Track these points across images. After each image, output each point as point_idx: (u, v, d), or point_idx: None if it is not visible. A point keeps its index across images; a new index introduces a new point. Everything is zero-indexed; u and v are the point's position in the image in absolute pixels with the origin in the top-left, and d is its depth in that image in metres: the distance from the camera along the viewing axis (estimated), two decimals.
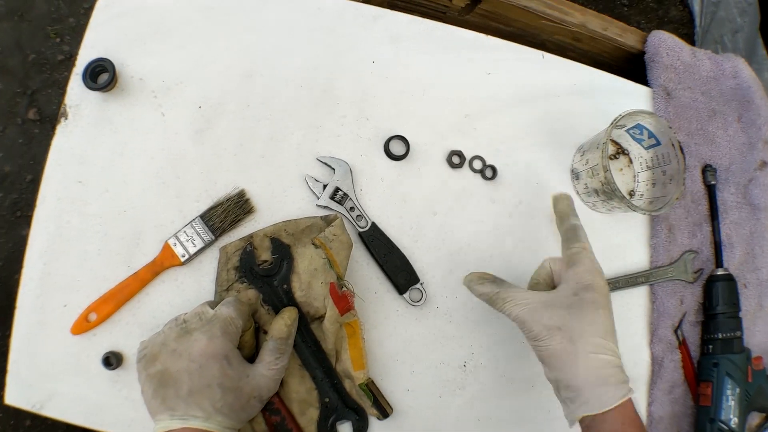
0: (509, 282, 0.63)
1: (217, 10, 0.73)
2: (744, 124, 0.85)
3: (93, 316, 0.67)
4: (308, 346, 0.67)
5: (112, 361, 0.66)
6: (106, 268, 0.67)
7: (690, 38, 1.83)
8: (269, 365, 0.62)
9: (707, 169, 0.82)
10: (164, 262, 0.67)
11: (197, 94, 0.71)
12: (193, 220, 0.68)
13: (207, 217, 0.68)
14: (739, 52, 1.63)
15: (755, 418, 0.86)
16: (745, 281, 0.83)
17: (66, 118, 0.70)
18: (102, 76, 0.69)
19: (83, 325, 0.66)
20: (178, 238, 0.67)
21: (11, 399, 0.66)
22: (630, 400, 0.55)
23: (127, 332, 0.67)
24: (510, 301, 0.60)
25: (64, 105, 0.69)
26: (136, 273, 0.67)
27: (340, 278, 0.66)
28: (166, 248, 0.67)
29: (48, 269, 0.67)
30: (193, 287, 0.68)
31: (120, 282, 0.67)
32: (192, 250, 0.67)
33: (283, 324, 0.63)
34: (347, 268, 0.68)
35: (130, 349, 0.66)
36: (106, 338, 0.67)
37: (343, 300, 0.65)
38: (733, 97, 0.86)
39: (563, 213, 0.67)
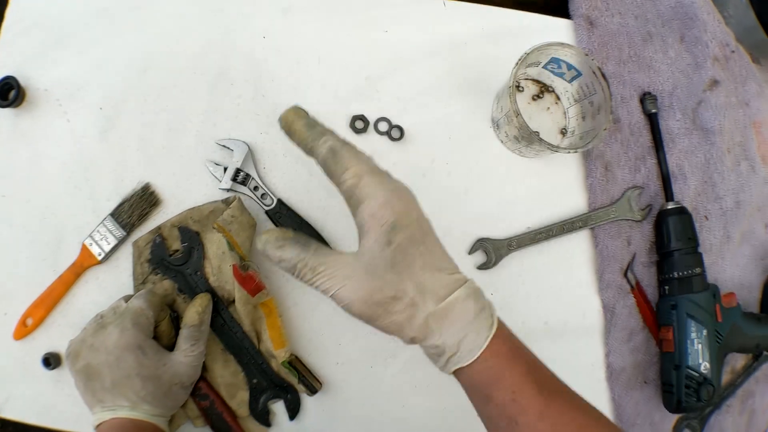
0: (317, 242, 0.48)
1: (111, 10, 0.74)
2: (688, 43, 0.79)
3: (30, 321, 0.69)
4: (229, 330, 0.67)
5: (51, 361, 0.69)
6: (36, 274, 0.70)
7: None
8: (186, 352, 0.63)
9: (646, 97, 0.76)
10: (83, 263, 0.69)
11: (98, 96, 0.72)
12: (105, 218, 0.69)
13: (116, 215, 0.69)
14: None
15: (740, 360, 0.79)
16: (705, 212, 0.77)
17: None
18: (12, 93, 0.71)
19: (22, 330, 0.69)
20: (93, 238, 0.69)
21: None
22: (499, 326, 0.48)
23: (60, 333, 0.70)
24: (322, 272, 0.46)
25: None
26: (60, 276, 0.69)
27: (243, 259, 0.66)
28: (84, 249, 0.69)
29: None
30: (113, 284, 0.70)
31: (48, 286, 0.69)
32: (107, 248, 0.69)
33: (194, 311, 0.63)
34: (251, 248, 0.67)
35: (65, 349, 0.69)
36: (44, 341, 0.70)
37: (249, 280, 0.65)
38: (674, 17, 0.79)
39: (303, 138, 0.49)
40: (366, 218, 0.46)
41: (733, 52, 0.81)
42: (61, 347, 0.69)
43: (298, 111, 0.50)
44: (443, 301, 0.47)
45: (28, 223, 0.71)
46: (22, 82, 0.71)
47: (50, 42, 0.73)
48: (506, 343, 0.48)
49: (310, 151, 0.49)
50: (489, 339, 0.47)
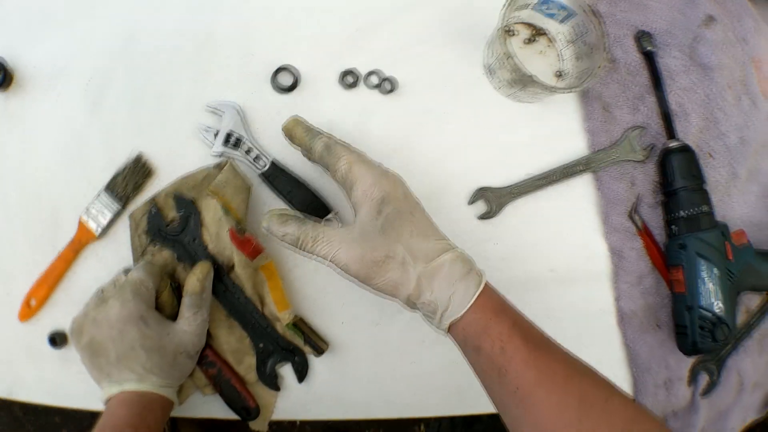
0: (314, 219, 0.57)
1: None
2: None
3: (33, 302, 0.69)
4: (231, 295, 0.67)
5: (57, 340, 0.68)
6: (36, 254, 0.69)
7: None
8: (189, 321, 0.62)
9: (642, 36, 0.74)
10: (82, 239, 0.69)
11: (87, 68, 0.71)
12: (100, 192, 0.68)
13: (110, 187, 0.68)
14: None
15: (754, 300, 0.78)
16: (709, 150, 0.76)
17: None
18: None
19: (27, 311, 0.69)
20: (89, 213, 0.68)
21: None
22: (487, 286, 0.54)
23: (64, 311, 0.69)
24: (321, 239, 0.53)
25: None
26: (60, 254, 0.69)
27: (239, 222, 0.65)
28: (81, 225, 0.69)
29: None
30: (113, 258, 0.69)
31: (48, 266, 0.69)
32: (103, 222, 0.68)
33: (195, 279, 0.63)
34: (247, 211, 0.66)
35: (68, 327, 0.68)
36: (49, 320, 0.69)
37: (247, 243, 0.64)
38: None
39: (302, 140, 0.59)
40: (359, 196, 0.54)
41: None
42: (66, 326, 0.69)
43: (297, 119, 0.60)
44: (432, 261, 0.52)
45: (23, 203, 0.70)
46: (10, 63, 0.71)
47: (34, 22, 0.72)
48: (493, 299, 0.53)
49: (309, 150, 0.58)
50: (476, 295, 0.52)
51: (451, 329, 0.53)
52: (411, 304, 0.54)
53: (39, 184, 0.70)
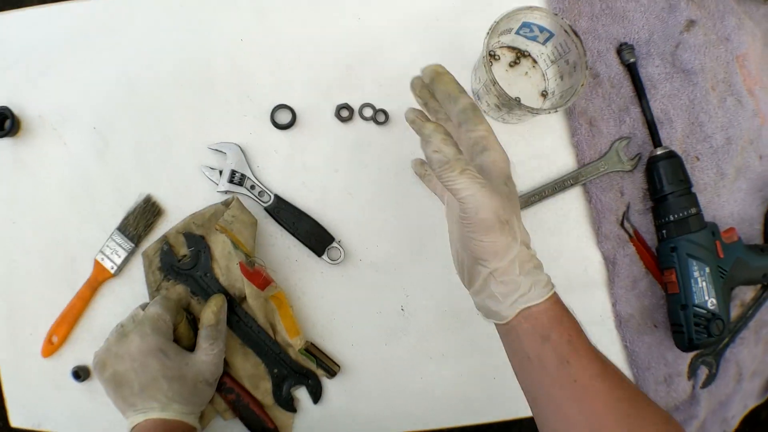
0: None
1: (91, 30, 0.75)
2: None
3: (55, 338, 0.73)
4: (245, 325, 0.70)
5: (80, 374, 0.72)
6: (54, 293, 0.73)
7: None
8: (206, 351, 0.66)
9: (623, 48, 0.77)
10: (98, 277, 0.72)
11: (91, 117, 0.74)
12: (112, 233, 0.72)
13: (123, 228, 0.72)
14: None
15: (749, 292, 0.81)
16: (696, 153, 0.78)
17: None
18: (7, 123, 0.73)
19: (49, 348, 0.73)
20: (104, 253, 0.72)
21: (16, 422, 0.75)
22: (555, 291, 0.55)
23: (86, 346, 0.73)
24: (468, 171, 0.50)
25: None
26: (78, 293, 0.73)
27: (248, 255, 0.68)
28: (96, 264, 0.72)
29: (9, 305, 0.74)
30: (129, 294, 0.73)
31: (68, 304, 0.72)
32: (118, 261, 0.71)
33: (210, 312, 0.66)
34: (255, 244, 0.69)
35: (91, 361, 0.72)
36: (71, 356, 0.74)
37: (257, 275, 0.67)
38: None
39: (452, 85, 0.56)
40: (489, 163, 0.55)
41: None
42: (88, 360, 0.73)
43: (442, 66, 0.58)
44: (528, 248, 0.54)
45: (40, 246, 0.74)
46: (16, 111, 0.74)
47: (37, 70, 0.75)
48: (563, 303, 0.55)
49: (454, 100, 0.56)
50: (553, 290, 0.53)
51: (517, 315, 0.53)
52: (486, 279, 0.53)
53: (53, 227, 0.74)
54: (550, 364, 0.52)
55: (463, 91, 0.56)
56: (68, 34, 0.75)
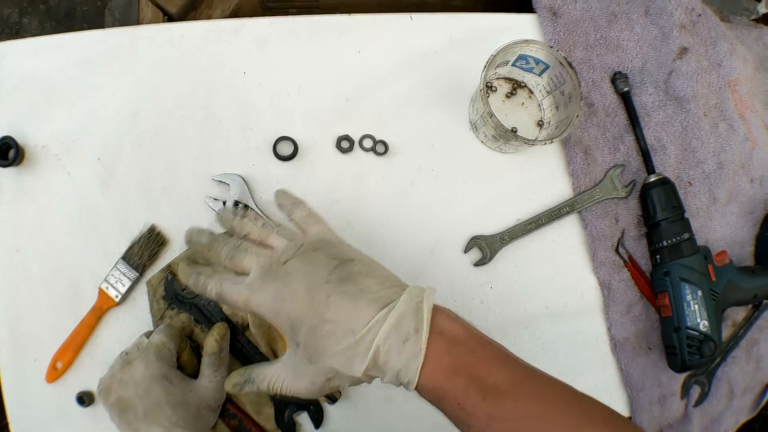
0: (257, 365, 0.58)
1: (94, 62, 0.76)
2: (652, 15, 0.80)
3: (59, 364, 0.74)
4: (247, 352, 0.71)
5: (85, 399, 0.73)
6: (59, 320, 0.74)
7: None
8: (209, 378, 0.67)
9: (617, 77, 0.78)
10: (103, 305, 0.73)
11: (95, 147, 0.75)
12: (117, 262, 0.73)
13: (127, 257, 0.73)
14: None
15: (740, 312, 0.83)
16: (689, 179, 0.80)
17: None
18: (11, 152, 0.74)
19: (54, 374, 0.74)
20: (108, 282, 0.73)
21: None
22: (441, 333, 0.50)
23: (89, 373, 0.74)
24: (265, 378, 0.55)
25: None
26: (82, 320, 0.73)
27: None
28: (101, 293, 0.73)
29: (13, 331, 0.74)
30: (133, 322, 0.74)
31: (72, 331, 0.73)
32: (123, 289, 0.73)
33: (213, 340, 0.67)
34: None
35: (95, 387, 0.73)
36: (75, 381, 0.74)
37: None
38: None
39: (188, 275, 0.59)
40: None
41: (699, 15, 0.83)
42: (92, 386, 0.73)
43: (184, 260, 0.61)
44: (359, 344, 0.49)
45: (44, 274, 0.74)
46: (19, 140, 0.74)
47: (40, 99, 0.76)
48: (446, 355, 0.50)
49: (202, 288, 0.57)
50: (419, 368, 0.49)
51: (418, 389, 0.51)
52: (367, 371, 0.51)
53: (57, 255, 0.74)
54: (462, 427, 0.51)
55: (208, 276, 0.57)
56: (72, 64, 0.76)
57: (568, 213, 0.76)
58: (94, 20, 1.61)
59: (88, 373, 0.74)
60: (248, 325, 0.70)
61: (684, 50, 0.80)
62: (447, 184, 0.76)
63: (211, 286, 0.56)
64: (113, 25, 0.82)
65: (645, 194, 0.76)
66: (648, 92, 0.79)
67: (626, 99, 0.78)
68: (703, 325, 0.74)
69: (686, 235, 0.75)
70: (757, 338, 0.84)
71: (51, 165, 0.75)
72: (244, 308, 0.54)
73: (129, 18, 0.81)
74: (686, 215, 0.76)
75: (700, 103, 0.80)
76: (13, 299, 0.74)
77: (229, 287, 0.55)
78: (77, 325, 0.73)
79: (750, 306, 0.83)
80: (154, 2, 0.79)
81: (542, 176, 0.77)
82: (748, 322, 0.83)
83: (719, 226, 0.81)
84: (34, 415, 0.74)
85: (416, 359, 0.49)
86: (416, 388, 0.50)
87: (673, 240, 0.75)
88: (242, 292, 0.54)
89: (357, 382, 0.52)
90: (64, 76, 0.76)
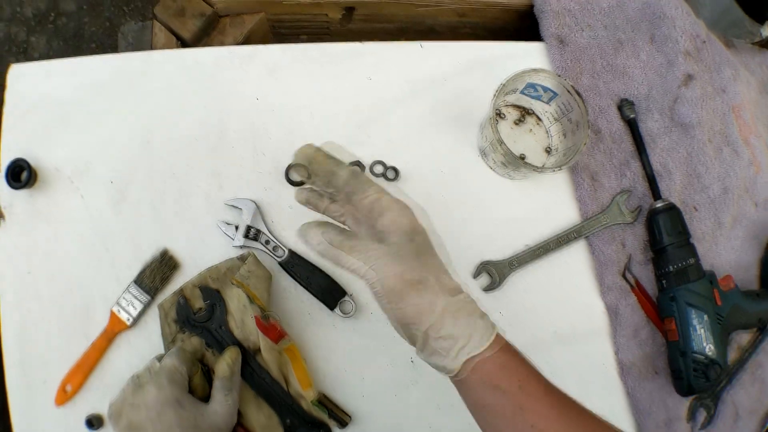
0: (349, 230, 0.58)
1: (107, 86, 0.77)
2: (658, 43, 0.82)
3: (69, 387, 0.74)
4: (258, 377, 0.72)
5: (94, 422, 0.73)
6: (69, 343, 0.74)
7: None
8: (220, 402, 0.67)
9: (624, 104, 0.80)
10: (114, 328, 0.74)
11: (108, 170, 0.76)
12: (129, 285, 0.73)
13: (139, 281, 0.73)
14: None
15: (745, 336, 0.83)
16: (694, 204, 0.81)
17: (3, 219, 0.76)
18: (24, 174, 0.75)
19: (63, 396, 0.74)
20: (120, 305, 0.73)
21: None
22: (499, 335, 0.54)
23: (99, 396, 0.74)
24: (358, 249, 0.54)
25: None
26: (93, 343, 0.74)
27: (263, 310, 0.70)
28: (113, 315, 0.73)
29: (23, 354, 0.75)
30: (144, 345, 0.74)
31: (83, 354, 0.74)
32: (134, 312, 0.73)
33: (224, 364, 0.68)
34: (270, 298, 0.71)
35: (106, 410, 0.73)
36: (84, 405, 0.74)
37: (272, 329, 0.69)
38: (642, 18, 0.82)
39: (325, 162, 0.59)
40: (388, 224, 0.55)
41: (704, 42, 0.84)
42: (101, 409, 0.74)
43: (312, 146, 0.60)
44: (457, 295, 0.53)
45: (55, 296, 0.75)
46: (32, 163, 0.75)
47: (53, 122, 0.77)
48: (505, 342, 0.54)
49: (331, 175, 0.58)
50: (495, 334, 0.53)
51: (464, 367, 0.52)
52: (423, 338, 0.53)
53: (69, 278, 0.75)
54: (506, 412, 0.52)
55: (339, 163, 0.58)
56: (86, 87, 0.77)
57: (575, 238, 0.77)
58: (102, 40, 1.63)
59: (97, 397, 0.74)
60: (259, 350, 0.70)
61: (689, 77, 0.81)
62: (456, 210, 0.77)
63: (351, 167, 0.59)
64: (126, 49, 0.83)
65: (651, 220, 0.77)
66: (654, 119, 0.80)
67: (632, 126, 0.79)
68: (709, 349, 0.74)
69: (692, 260, 0.76)
70: (762, 361, 0.84)
71: (64, 187, 0.76)
72: (376, 196, 0.57)
73: (142, 43, 0.82)
74: (692, 240, 0.77)
75: (705, 129, 0.82)
76: (24, 321, 0.75)
77: (364, 175, 0.59)
78: (88, 347, 0.74)
79: (755, 329, 0.84)
80: (168, 27, 0.80)
81: (550, 202, 0.78)
82: (753, 346, 0.84)
83: (724, 251, 0.82)
84: None
85: (491, 328, 0.53)
86: (477, 356, 0.52)
87: (679, 265, 0.75)
88: (378, 186, 0.58)
89: (423, 315, 0.52)
90: (77, 99, 0.77)
